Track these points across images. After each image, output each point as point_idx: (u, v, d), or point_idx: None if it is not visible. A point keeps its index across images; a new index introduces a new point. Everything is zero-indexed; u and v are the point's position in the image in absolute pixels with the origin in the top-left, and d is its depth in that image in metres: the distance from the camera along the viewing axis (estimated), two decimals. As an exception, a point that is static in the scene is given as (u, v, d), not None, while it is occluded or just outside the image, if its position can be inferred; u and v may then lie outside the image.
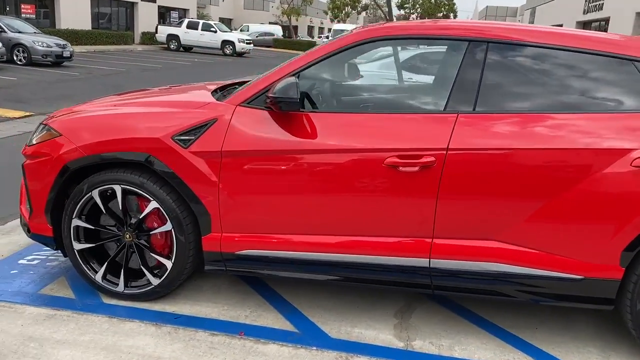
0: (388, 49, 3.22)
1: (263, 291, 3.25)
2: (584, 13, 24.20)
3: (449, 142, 2.58)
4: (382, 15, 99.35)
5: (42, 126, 3.14)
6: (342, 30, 40.02)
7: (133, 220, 2.99)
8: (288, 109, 2.64)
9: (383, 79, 2.89)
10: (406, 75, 2.97)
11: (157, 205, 2.87)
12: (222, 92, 3.37)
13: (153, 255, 2.99)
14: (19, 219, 4.30)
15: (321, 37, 61.84)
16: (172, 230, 2.89)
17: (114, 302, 3.06)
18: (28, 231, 3.18)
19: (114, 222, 3.02)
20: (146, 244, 3.01)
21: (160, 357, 2.58)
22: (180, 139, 2.79)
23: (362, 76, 2.88)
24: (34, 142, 3.08)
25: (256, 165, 2.75)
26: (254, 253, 2.87)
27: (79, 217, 3.00)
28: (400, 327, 2.94)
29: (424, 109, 2.74)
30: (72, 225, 3.01)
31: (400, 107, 2.76)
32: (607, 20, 21.14)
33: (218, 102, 2.90)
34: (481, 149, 2.56)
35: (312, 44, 47.62)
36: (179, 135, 2.79)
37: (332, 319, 2.98)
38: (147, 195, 2.87)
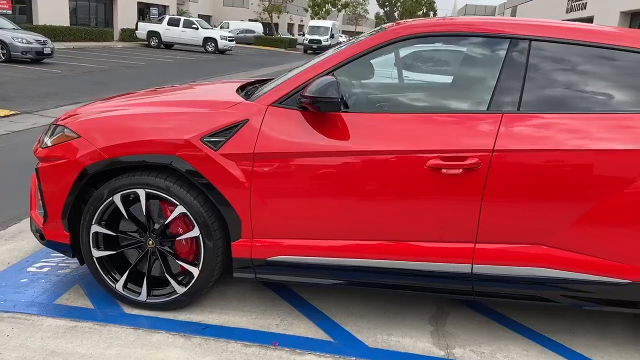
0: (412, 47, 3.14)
1: (290, 298, 3.13)
2: (566, 12, 24.45)
3: (495, 143, 2.49)
4: (362, 14, 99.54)
5: (56, 127, 2.96)
6: (319, 27, 40.30)
7: (156, 226, 2.84)
8: (327, 110, 2.52)
9: (417, 78, 2.78)
10: (439, 73, 2.86)
11: (183, 210, 2.73)
12: (244, 91, 3.23)
13: (178, 262, 2.85)
14: (20, 223, 4.15)
15: (302, 34, 61.43)
16: (200, 235, 2.75)
17: (135, 312, 2.91)
18: (42, 238, 3.01)
19: (135, 228, 2.87)
20: (170, 250, 2.86)
21: (195, 371, 2.45)
22: (210, 141, 2.65)
23: (400, 75, 2.77)
24: (49, 143, 2.91)
25: (290, 167, 2.63)
26: (287, 259, 2.74)
27: (99, 223, 2.84)
28: (437, 334, 2.84)
29: (466, 109, 2.64)
30: (91, 232, 2.85)
31: (440, 107, 2.66)
32: (590, 19, 21.40)
33: (248, 101, 2.76)
34: (528, 150, 2.48)
35: (293, 42, 47.42)
36: (209, 137, 2.65)
37: (366, 326, 2.88)
38: (174, 200, 2.72)
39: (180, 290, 2.86)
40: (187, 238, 2.81)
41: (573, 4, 23.59)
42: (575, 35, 2.62)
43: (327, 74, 2.67)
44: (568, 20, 25.20)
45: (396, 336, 2.80)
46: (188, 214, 2.73)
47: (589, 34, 2.63)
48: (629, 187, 2.42)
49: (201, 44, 29.92)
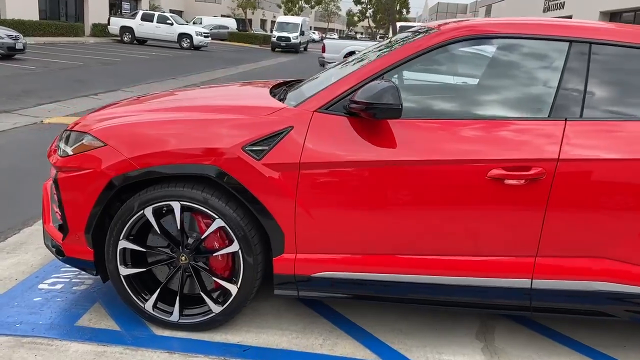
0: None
1: (327, 314, 2.96)
2: (544, 11, 24.70)
3: (560, 151, 2.36)
4: (334, 10, 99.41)
5: (76, 134, 2.72)
6: (288, 23, 37.06)
7: (190, 240, 2.63)
8: (385, 117, 2.35)
9: (468, 82, 2.63)
10: (494, 77, 2.72)
11: (222, 224, 2.53)
12: (274, 94, 3.04)
13: (215, 279, 2.65)
14: (20, 234, 3.88)
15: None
16: (239, 250, 2.56)
17: (166, 333, 2.70)
18: (60, 254, 2.77)
19: (166, 243, 2.66)
20: (205, 266, 2.66)
21: (244, 400, 2.26)
22: (253, 150, 2.46)
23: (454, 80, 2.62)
24: (70, 152, 2.67)
25: (339, 178, 2.46)
26: (333, 275, 2.57)
27: (127, 238, 2.62)
28: (489, 351, 2.71)
29: (526, 115, 2.51)
30: (118, 248, 2.62)
31: (498, 113, 2.52)
32: (569, 17, 21.63)
33: (291, 107, 2.57)
34: (594, 159, 2.36)
35: (268, 38, 46.89)
36: (251, 146, 2.46)
37: (413, 344, 2.73)
38: (212, 213, 2.52)
39: (217, 309, 2.66)
40: (225, 253, 2.61)
41: (550, 3, 23.79)
42: (635, 39, 2.51)
43: (376, 79, 2.50)
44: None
45: (447, 355, 2.66)
46: (227, 227, 2.54)
47: None
48: (700, 198, 2.32)
49: (176, 40, 29.35)
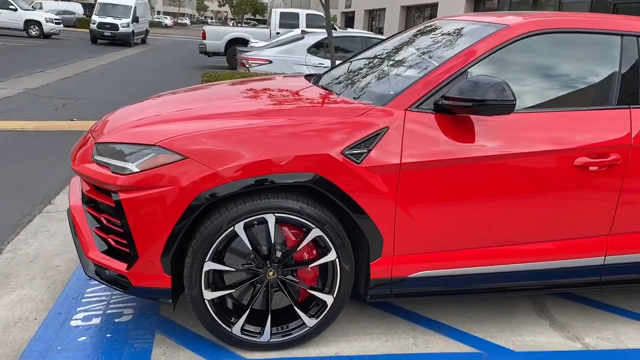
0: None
1: (399, 312, 2.94)
2: (409, -3, 26.09)
3: (631, 137, 2.57)
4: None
5: (132, 147, 2.38)
6: (114, 5, 25.87)
7: (278, 254, 2.46)
8: (496, 113, 2.37)
9: (541, 74, 2.73)
10: (563, 70, 2.82)
11: (319, 233, 2.40)
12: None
13: (311, 291, 2.50)
14: (9, 257, 3.33)
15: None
16: (337, 259, 2.45)
17: (256, 355, 2.51)
18: (125, 286, 2.43)
19: (248, 260, 2.45)
20: (295, 279, 2.50)
21: (387, 413, 2.18)
22: (352, 154, 2.35)
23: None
24: (134, 169, 2.33)
25: (438, 177, 2.44)
26: (430, 274, 2.57)
27: (212, 259, 2.37)
28: (556, 326, 2.90)
29: (596, 105, 2.69)
30: (203, 270, 2.37)
31: (574, 103, 2.68)
32: (435, 5, 23.11)
33: (382, 107, 2.49)
34: (655, 143, 2.60)
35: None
36: (350, 149, 2.35)
37: (493, 330, 2.82)
38: (309, 223, 2.38)
39: (311, 322, 2.52)
40: (320, 263, 2.47)
41: (416, -10, 25.16)
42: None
43: (460, 75, 2.52)
44: (410, 5, 26.99)
45: (527, 335, 2.80)
46: (324, 236, 2.41)
47: None
48: None
49: (22, 28, 26.23)
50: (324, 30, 10.00)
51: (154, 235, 2.32)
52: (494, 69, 2.60)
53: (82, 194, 2.66)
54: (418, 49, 3.03)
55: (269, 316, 2.49)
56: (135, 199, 2.31)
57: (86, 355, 2.45)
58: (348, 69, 3.39)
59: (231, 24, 67.42)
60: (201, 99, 3.05)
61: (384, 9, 30.26)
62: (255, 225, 2.39)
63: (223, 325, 2.46)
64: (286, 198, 2.36)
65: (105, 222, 2.49)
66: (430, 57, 2.80)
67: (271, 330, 2.50)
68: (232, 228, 2.33)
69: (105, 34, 25.00)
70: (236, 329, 2.47)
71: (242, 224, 2.34)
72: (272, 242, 2.40)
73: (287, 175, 2.31)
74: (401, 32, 3.77)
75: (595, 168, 2.54)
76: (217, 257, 2.39)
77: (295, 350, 2.55)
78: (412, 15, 27.56)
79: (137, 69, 15.97)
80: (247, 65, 8.96)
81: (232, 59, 17.33)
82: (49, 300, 2.93)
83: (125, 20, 25.34)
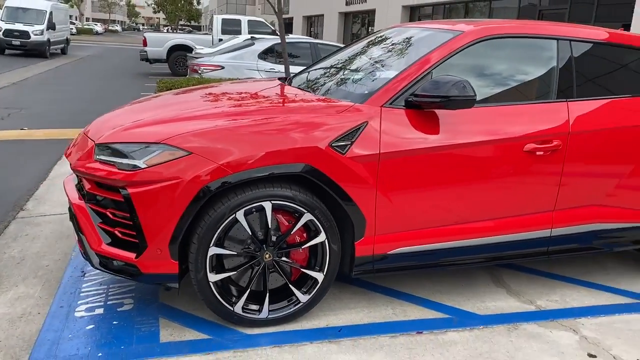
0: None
1: (377, 289, 3.28)
2: (346, 4, 26.72)
3: (569, 125, 3.03)
4: (115, 1, 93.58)
5: (138, 145, 2.60)
6: (26, 10, 22.08)
7: (274, 238, 2.74)
8: (460, 107, 2.74)
9: (493, 73, 3.16)
10: (509, 71, 3.24)
11: (310, 217, 2.70)
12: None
13: (303, 270, 2.80)
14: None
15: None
16: (326, 240, 2.76)
17: (256, 331, 2.77)
18: (134, 274, 2.64)
19: (249, 243, 2.72)
20: (288, 260, 2.79)
21: (379, 369, 2.51)
22: (338, 145, 2.68)
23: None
24: (142, 165, 2.55)
25: (411, 164, 2.80)
26: (406, 250, 2.92)
27: (216, 245, 2.63)
28: (513, 293, 3.32)
29: (540, 99, 3.13)
30: (208, 255, 2.62)
31: (520, 98, 3.11)
32: (373, 11, 23.81)
33: (361, 104, 2.83)
34: (591, 130, 3.07)
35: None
36: (336, 142, 2.67)
37: (461, 300, 3.21)
38: (301, 208, 2.68)
39: (304, 298, 2.81)
40: (311, 245, 2.77)
41: (353, -4, 25.87)
42: (600, 36, 3.29)
43: (425, 77, 2.89)
44: (347, 12, 27.69)
45: (488, 302, 3.20)
46: (315, 220, 2.71)
47: (615, 35, 3.33)
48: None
49: None
50: (273, 37, 10.29)
51: (162, 225, 2.55)
52: (454, 70, 2.98)
53: (85, 192, 2.83)
54: (386, 52, 3.39)
55: (267, 294, 2.76)
56: (144, 192, 2.53)
57: (97, 341, 2.64)
58: (323, 72, 3.71)
59: (165, 31, 66.44)
60: (191, 101, 3.27)
61: (322, 15, 30.85)
62: (254, 212, 2.66)
63: (226, 304, 2.71)
64: (281, 187, 2.65)
65: (111, 216, 2.68)
66: (399, 60, 3.17)
67: (269, 307, 2.78)
68: (233, 215, 2.59)
69: (14, 43, 21.30)
70: (238, 308, 2.73)
71: (242, 211, 2.60)
72: (269, 227, 2.68)
73: (282, 166, 2.60)
74: (365, 36, 4.14)
75: (541, 153, 2.98)
76: (220, 243, 2.64)
77: (291, 325, 2.83)
78: (350, 22, 28.29)
79: (77, 77, 15.68)
80: (200, 72, 9.12)
81: (174, 65, 17.33)
82: (48, 297, 3.07)
83: (38, 27, 21.79)
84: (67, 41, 25.81)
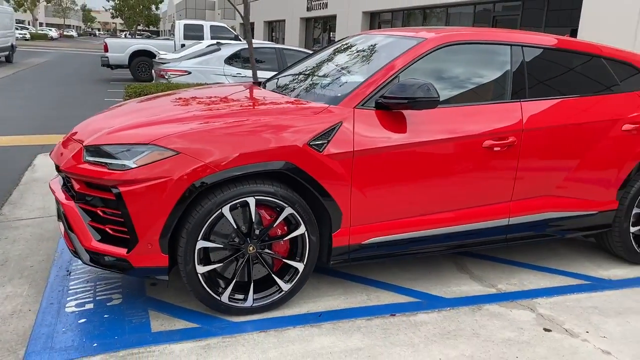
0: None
1: (352, 278, 3.51)
2: (307, 10, 27.00)
3: (523, 123, 3.34)
4: (69, 5, 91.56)
5: (127, 146, 2.77)
6: None
7: (257, 231, 2.94)
8: (425, 107, 3.00)
9: (454, 76, 3.44)
10: (471, 74, 3.53)
11: (291, 211, 2.91)
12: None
13: (285, 260, 3.01)
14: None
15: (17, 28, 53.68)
16: (306, 232, 2.98)
17: (242, 319, 2.96)
18: (125, 268, 2.79)
19: (234, 237, 2.91)
20: (270, 252, 2.99)
21: (358, 348, 2.73)
22: (315, 144, 2.90)
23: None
24: (132, 165, 2.72)
25: (382, 160, 3.04)
26: (378, 240, 3.16)
27: (204, 238, 2.81)
28: (476, 279, 3.61)
29: (497, 100, 3.42)
30: (196, 248, 2.80)
31: (480, 99, 3.40)
32: (334, 17, 24.15)
33: (335, 106, 3.06)
34: (542, 127, 3.39)
35: None
36: (314, 141, 2.90)
37: (429, 285, 3.47)
38: (282, 203, 2.89)
39: (286, 287, 3.02)
40: (291, 237, 2.98)
41: (313, 2, 26.01)
42: (549, 42, 3.62)
43: (392, 81, 3.14)
44: (309, 17, 27.97)
45: (454, 286, 3.48)
46: (295, 213, 2.93)
47: (562, 42, 3.66)
48: (591, 148, 3.53)
49: None
50: (239, 42, 10.45)
51: (152, 221, 2.72)
52: (419, 73, 3.25)
53: (74, 192, 2.96)
54: (355, 58, 3.64)
55: (252, 284, 2.96)
56: (134, 190, 2.70)
57: (91, 332, 2.78)
58: (295, 76, 3.93)
59: (123, 36, 65.48)
60: (175, 103, 3.44)
61: (284, 20, 31.09)
62: (239, 208, 2.86)
63: (213, 294, 2.89)
64: (264, 183, 2.86)
65: (101, 214, 2.83)
66: (368, 65, 3.42)
67: (254, 296, 2.97)
68: (220, 210, 2.78)
69: None
70: (224, 297, 2.91)
71: (228, 206, 2.80)
72: (253, 221, 2.88)
73: (265, 164, 2.81)
74: (334, 43, 4.38)
75: (498, 149, 3.27)
76: (207, 237, 2.83)
77: (275, 312, 3.03)
78: (312, 27, 28.61)
79: (37, 83, 15.45)
80: (167, 77, 9.20)
81: (137, 71, 17.25)
82: (36, 295, 3.19)
83: None
84: (13, 48, 23.12)
